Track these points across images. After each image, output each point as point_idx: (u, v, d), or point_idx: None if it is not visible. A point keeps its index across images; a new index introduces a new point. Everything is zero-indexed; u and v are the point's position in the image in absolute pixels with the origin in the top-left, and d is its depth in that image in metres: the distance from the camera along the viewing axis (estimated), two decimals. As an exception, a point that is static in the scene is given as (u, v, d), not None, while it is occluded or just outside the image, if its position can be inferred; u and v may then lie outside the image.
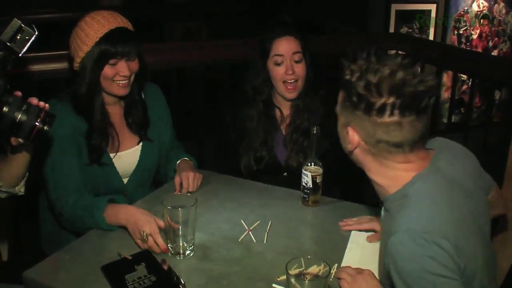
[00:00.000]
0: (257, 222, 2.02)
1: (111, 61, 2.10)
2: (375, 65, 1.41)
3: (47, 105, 1.65)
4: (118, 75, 2.13)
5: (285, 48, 2.44)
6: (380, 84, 1.38)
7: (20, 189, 1.95)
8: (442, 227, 1.36)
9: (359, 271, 1.67)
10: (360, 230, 1.98)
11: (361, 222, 2.00)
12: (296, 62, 2.45)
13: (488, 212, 1.57)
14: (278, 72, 2.46)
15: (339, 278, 1.65)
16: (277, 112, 2.60)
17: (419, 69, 1.42)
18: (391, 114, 1.38)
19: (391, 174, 1.48)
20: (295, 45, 2.44)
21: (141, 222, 1.88)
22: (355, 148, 1.50)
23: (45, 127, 1.61)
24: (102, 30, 2.06)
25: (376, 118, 1.39)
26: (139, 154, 2.34)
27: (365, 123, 1.42)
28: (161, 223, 1.86)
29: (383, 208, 1.59)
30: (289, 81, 2.45)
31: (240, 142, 2.57)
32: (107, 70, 2.11)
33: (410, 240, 1.34)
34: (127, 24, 2.15)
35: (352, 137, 1.47)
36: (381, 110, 1.38)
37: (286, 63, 2.44)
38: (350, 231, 1.99)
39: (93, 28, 2.07)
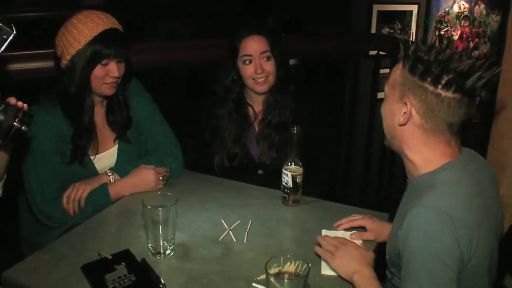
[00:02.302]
0: (237, 222, 2.03)
1: (103, 61, 2.10)
2: (440, 46, 1.49)
3: (25, 105, 1.64)
4: (108, 76, 2.14)
5: (253, 47, 2.46)
6: (449, 59, 1.44)
7: None
8: (464, 212, 1.43)
9: (343, 241, 1.75)
10: (351, 229, 1.98)
11: (353, 220, 2.00)
12: (265, 60, 2.47)
13: (502, 227, 1.65)
14: (247, 71, 2.49)
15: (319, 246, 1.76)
16: (250, 110, 2.63)
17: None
18: (456, 90, 1.44)
19: (428, 155, 1.55)
20: (263, 44, 2.47)
21: (148, 175, 2.24)
22: (406, 122, 1.53)
23: (23, 127, 1.60)
24: (97, 30, 2.07)
25: (441, 91, 1.45)
26: (116, 154, 2.35)
27: (429, 96, 1.47)
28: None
29: (407, 187, 1.66)
30: (259, 80, 2.48)
31: (214, 141, 2.58)
32: (98, 70, 2.12)
33: (432, 215, 1.41)
34: (119, 26, 2.17)
35: (409, 110, 1.51)
36: (448, 84, 1.44)
37: (255, 62, 2.46)
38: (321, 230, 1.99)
39: (87, 27, 2.07)
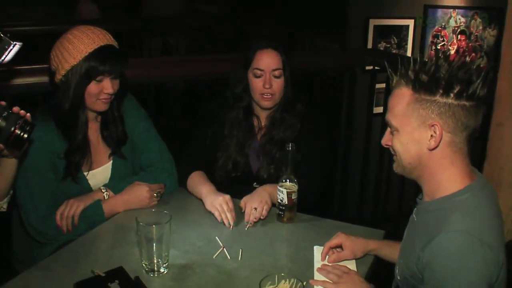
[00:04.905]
0: (232, 239, 2.04)
1: (98, 78, 2.11)
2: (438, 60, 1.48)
3: (28, 114, 1.73)
4: (103, 92, 2.15)
5: (265, 62, 2.47)
6: (459, 69, 1.44)
7: (3, 205, 1.98)
8: (491, 236, 1.43)
9: (344, 270, 1.76)
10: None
11: (328, 243, 1.96)
12: (275, 77, 2.49)
13: None
14: (256, 85, 2.49)
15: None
16: (255, 121, 2.63)
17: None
18: (476, 98, 1.45)
19: (453, 174, 1.52)
20: (276, 60, 2.47)
21: (142, 192, 2.27)
22: (438, 145, 1.49)
23: (22, 134, 1.70)
24: (92, 46, 2.08)
25: (466, 102, 1.45)
26: (110, 170, 2.36)
27: (456, 110, 1.45)
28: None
29: (418, 208, 1.65)
30: (266, 95, 2.49)
31: (216, 146, 2.58)
32: (92, 87, 2.13)
33: (463, 241, 1.41)
34: (115, 42, 2.19)
35: (440, 131, 1.47)
36: (472, 94, 1.44)
37: (265, 76, 2.47)
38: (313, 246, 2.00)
39: (83, 42, 2.08)
